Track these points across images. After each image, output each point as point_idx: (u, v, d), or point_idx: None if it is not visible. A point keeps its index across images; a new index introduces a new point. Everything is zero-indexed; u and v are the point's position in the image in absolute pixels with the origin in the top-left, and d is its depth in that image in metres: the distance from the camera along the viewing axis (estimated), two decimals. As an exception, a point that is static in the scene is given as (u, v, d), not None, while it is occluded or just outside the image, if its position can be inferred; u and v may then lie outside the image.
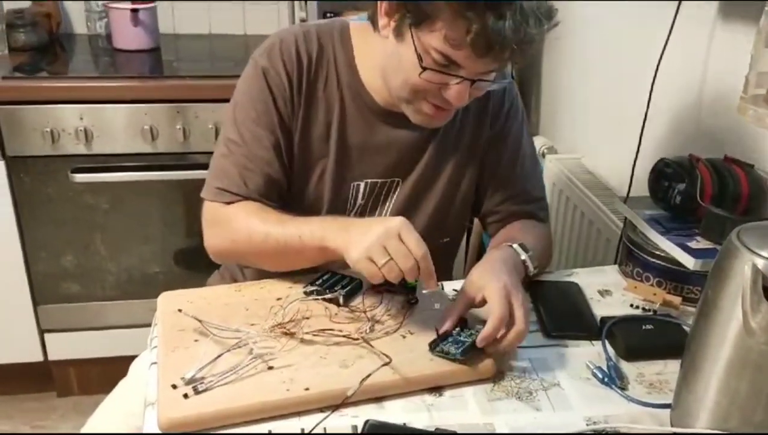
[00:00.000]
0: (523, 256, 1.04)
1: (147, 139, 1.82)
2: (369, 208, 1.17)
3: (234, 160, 1.08)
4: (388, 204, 1.17)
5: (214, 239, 1.10)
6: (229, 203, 1.08)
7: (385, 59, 1.03)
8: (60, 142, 1.78)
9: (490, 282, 0.92)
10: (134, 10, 2.03)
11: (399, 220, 0.90)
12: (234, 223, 1.06)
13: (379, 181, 1.15)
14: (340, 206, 1.15)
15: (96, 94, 1.79)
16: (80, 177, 1.82)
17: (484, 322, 0.90)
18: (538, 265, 1.06)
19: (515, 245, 1.05)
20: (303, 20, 1.87)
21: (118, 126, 1.80)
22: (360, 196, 1.15)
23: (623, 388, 0.89)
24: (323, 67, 1.09)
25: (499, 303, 0.89)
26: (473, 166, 1.18)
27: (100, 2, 2.16)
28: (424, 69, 0.95)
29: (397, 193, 1.16)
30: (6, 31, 1.98)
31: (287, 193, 1.12)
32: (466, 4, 0.87)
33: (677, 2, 1.29)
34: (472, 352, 0.88)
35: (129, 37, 2.07)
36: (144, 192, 1.89)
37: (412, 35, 0.95)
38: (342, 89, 1.10)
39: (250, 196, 1.08)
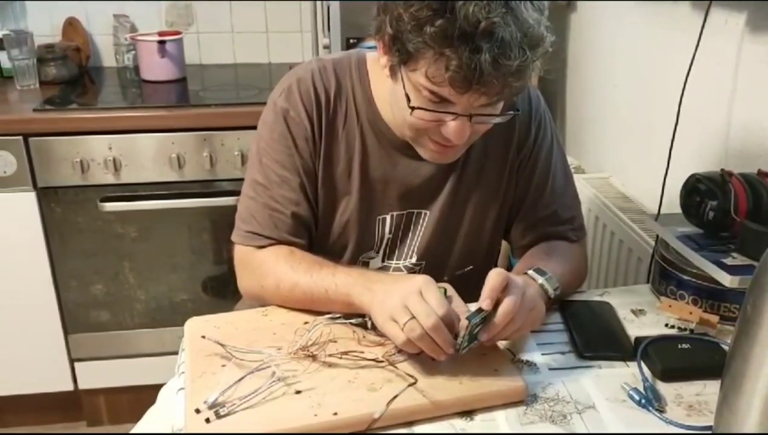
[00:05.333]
0: (540, 280, 1.01)
1: (174, 167, 1.84)
2: (399, 241, 1.16)
3: (262, 203, 1.09)
4: (417, 236, 1.16)
5: (245, 282, 1.12)
6: (260, 247, 1.08)
7: (389, 95, 1.03)
8: (89, 172, 1.81)
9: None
10: (161, 42, 2.08)
11: (421, 278, 0.89)
12: (264, 269, 1.07)
13: (405, 212, 1.14)
14: (367, 241, 1.14)
15: (124, 124, 1.82)
16: (109, 206, 1.84)
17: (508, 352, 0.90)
18: (559, 286, 1.03)
19: (530, 271, 1.02)
20: (326, 47, 1.89)
21: (146, 155, 1.83)
22: (387, 229, 1.14)
23: (661, 411, 0.86)
24: (342, 103, 1.09)
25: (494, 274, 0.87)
26: (501, 193, 1.16)
27: (128, 35, 2.20)
28: (413, 108, 0.94)
29: (424, 224, 1.15)
30: (37, 65, 2.04)
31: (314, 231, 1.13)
32: (444, 40, 0.85)
33: (704, 15, 1.27)
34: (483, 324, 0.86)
35: (156, 68, 2.11)
36: (172, 220, 1.91)
37: (401, 74, 0.94)
38: (361, 124, 1.10)
39: (281, 239, 1.08)
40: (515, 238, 1.21)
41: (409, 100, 0.94)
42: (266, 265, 1.07)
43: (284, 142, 1.08)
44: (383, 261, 1.17)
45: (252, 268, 1.10)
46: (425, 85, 0.91)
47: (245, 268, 1.11)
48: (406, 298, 0.86)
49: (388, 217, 1.14)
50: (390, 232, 1.15)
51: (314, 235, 1.13)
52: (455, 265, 1.19)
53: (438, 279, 1.10)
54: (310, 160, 1.09)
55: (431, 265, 1.17)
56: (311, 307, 1.02)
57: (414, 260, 1.17)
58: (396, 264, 1.18)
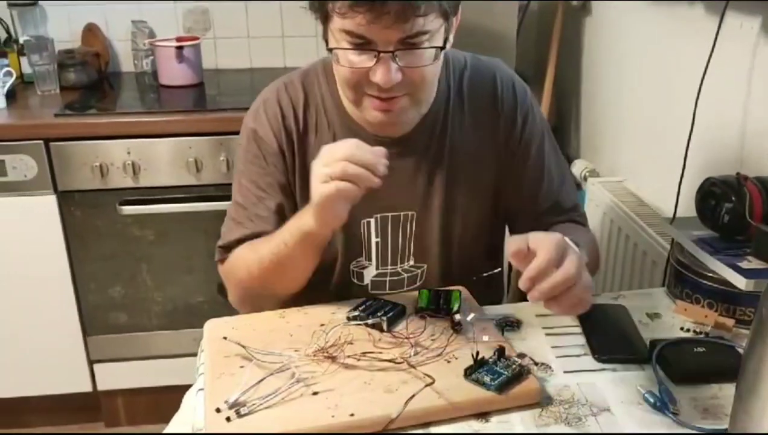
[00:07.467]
0: (572, 245, 0.95)
1: (192, 171, 1.86)
2: (390, 246, 1.15)
3: (239, 223, 1.12)
4: (408, 238, 1.15)
5: (232, 294, 1.15)
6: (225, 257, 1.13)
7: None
8: (108, 176, 1.84)
9: (545, 234, 0.87)
10: (179, 48, 2.10)
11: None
12: (233, 267, 1.11)
13: (390, 214, 1.13)
14: (355, 246, 1.14)
15: (143, 129, 1.84)
16: (128, 209, 1.87)
17: (522, 355, 0.91)
18: (588, 259, 0.97)
19: (567, 239, 0.95)
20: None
21: (163, 159, 1.85)
22: (373, 233, 1.14)
23: (676, 413, 0.86)
24: (312, 112, 1.11)
25: (552, 244, 0.83)
26: (492, 189, 1.16)
27: (146, 41, 2.23)
28: (331, 50, 0.97)
29: (414, 226, 1.14)
30: (57, 70, 2.07)
31: None
32: None
33: (719, 18, 1.27)
34: (508, 387, 0.86)
35: (174, 73, 2.13)
36: (189, 223, 1.93)
37: (326, 34, 0.98)
38: (334, 129, 1.11)
39: (242, 237, 1.11)
40: (520, 233, 1.20)
41: (327, 44, 0.98)
42: (232, 263, 1.11)
43: (257, 162, 1.11)
44: (378, 268, 1.16)
45: (227, 275, 1.14)
46: (340, 26, 0.94)
47: (226, 280, 1.15)
48: (320, 165, 0.91)
49: (373, 221, 1.13)
50: (378, 236, 1.14)
51: None
52: (462, 269, 1.17)
53: (450, 282, 1.10)
54: (284, 176, 1.11)
55: (433, 266, 1.16)
56: (286, 272, 1.04)
57: (412, 262, 1.17)
58: (393, 268, 1.17)
